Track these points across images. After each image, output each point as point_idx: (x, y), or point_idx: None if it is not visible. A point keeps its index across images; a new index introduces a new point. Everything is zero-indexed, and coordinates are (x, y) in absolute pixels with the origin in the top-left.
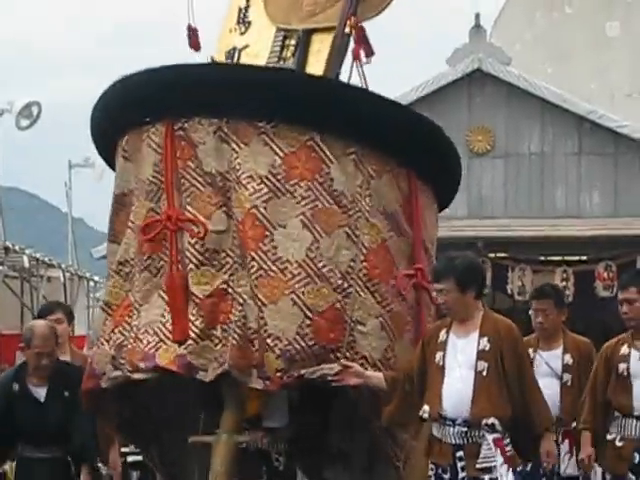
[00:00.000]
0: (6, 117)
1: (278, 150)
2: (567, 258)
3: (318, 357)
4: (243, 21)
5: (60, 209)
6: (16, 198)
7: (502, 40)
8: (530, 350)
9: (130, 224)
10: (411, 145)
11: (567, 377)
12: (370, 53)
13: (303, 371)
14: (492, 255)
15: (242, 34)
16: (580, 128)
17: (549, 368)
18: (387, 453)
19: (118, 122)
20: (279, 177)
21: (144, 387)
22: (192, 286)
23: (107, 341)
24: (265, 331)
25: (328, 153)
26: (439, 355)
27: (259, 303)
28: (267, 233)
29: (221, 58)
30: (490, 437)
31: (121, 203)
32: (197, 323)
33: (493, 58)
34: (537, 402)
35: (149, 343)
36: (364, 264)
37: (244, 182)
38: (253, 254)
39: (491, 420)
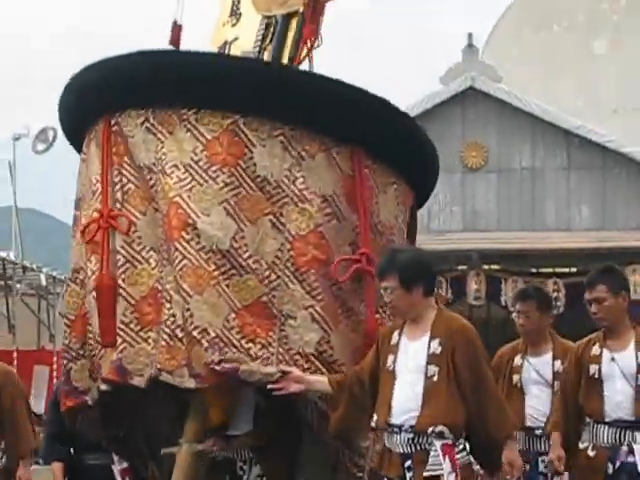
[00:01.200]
0: (23, 141)
1: (200, 136)
2: (558, 270)
3: (248, 352)
4: (235, 13)
5: None
6: (33, 219)
7: (493, 58)
8: (518, 356)
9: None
10: (353, 122)
11: (558, 385)
12: (315, 36)
13: (242, 368)
14: (486, 267)
15: (233, 26)
16: (569, 143)
17: (538, 375)
18: (344, 463)
19: (74, 126)
20: (201, 164)
21: (126, 399)
22: (128, 287)
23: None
24: (191, 323)
25: (251, 136)
26: (390, 359)
27: (184, 294)
28: (190, 221)
29: None
30: (438, 444)
31: (78, 208)
32: (132, 326)
33: (485, 76)
34: (495, 407)
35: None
36: (291, 253)
37: (169, 172)
38: (177, 244)
39: (439, 428)
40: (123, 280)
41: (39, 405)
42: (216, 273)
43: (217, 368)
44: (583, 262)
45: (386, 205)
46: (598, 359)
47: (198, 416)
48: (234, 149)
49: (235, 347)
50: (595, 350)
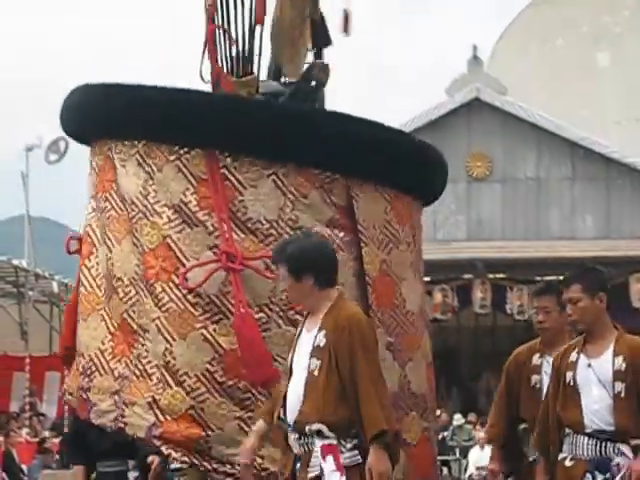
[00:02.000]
0: (36, 152)
1: (96, 167)
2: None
3: (113, 372)
4: None
5: None
6: (47, 228)
7: (498, 70)
8: (536, 356)
9: None
10: (202, 125)
11: None
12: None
13: (94, 408)
14: (491, 276)
15: None
16: (573, 154)
17: None
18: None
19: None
20: (95, 194)
21: None
22: None
23: None
24: (79, 349)
25: (116, 159)
26: (291, 354)
27: (78, 320)
28: (93, 250)
29: None
30: (319, 443)
31: None
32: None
33: (490, 88)
34: (369, 403)
35: None
36: (142, 267)
37: (87, 203)
38: (80, 272)
39: (316, 426)
40: None
41: (51, 410)
42: (103, 299)
43: (83, 396)
44: None
45: (258, 200)
46: (574, 365)
47: None
48: (108, 175)
49: (104, 370)
50: (572, 356)
